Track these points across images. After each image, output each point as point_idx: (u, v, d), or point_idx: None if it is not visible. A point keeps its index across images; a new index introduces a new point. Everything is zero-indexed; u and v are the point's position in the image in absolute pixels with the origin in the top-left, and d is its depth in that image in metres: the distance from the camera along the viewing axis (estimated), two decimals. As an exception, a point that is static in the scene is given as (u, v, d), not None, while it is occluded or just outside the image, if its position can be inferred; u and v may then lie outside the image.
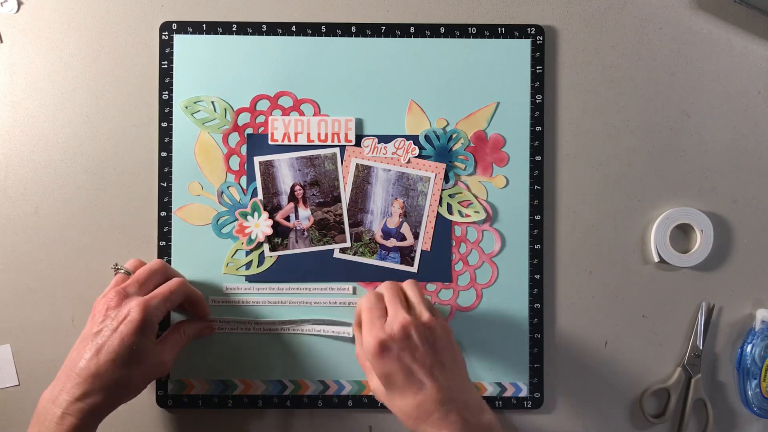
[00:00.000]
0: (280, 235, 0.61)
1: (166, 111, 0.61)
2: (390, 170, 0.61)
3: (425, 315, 0.51)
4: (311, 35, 0.61)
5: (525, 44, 0.61)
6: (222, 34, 0.61)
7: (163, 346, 0.55)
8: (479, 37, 0.61)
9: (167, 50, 0.61)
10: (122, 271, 0.57)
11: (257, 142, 0.61)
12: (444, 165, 0.61)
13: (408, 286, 0.54)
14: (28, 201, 0.61)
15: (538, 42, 0.61)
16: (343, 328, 0.61)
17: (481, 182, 0.61)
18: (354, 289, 0.61)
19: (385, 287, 0.54)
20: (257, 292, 0.61)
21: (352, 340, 0.61)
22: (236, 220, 0.61)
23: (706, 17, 0.63)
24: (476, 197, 0.61)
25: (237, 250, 0.61)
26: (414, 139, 0.61)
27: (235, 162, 0.61)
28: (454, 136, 0.61)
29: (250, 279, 0.61)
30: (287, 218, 0.61)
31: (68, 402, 0.49)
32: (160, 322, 0.54)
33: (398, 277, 0.61)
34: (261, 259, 0.61)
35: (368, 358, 0.50)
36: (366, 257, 0.61)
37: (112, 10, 0.61)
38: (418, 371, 0.49)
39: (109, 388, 0.50)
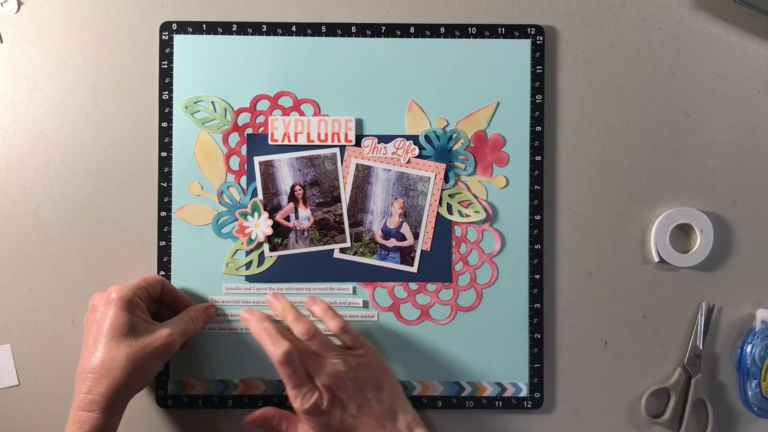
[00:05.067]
0: (280, 235, 0.61)
1: (166, 111, 0.61)
2: (390, 170, 0.61)
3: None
4: (311, 35, 0.61)
5: (525, 44, 0.61)
6: (222, 34, 0.61)
7: (160, 324, 0.55)
8: (479, 38, 0.61)
9: (167, 50, 0.61)
10: None
11: (257, 142, 0.61)
12: (444, 165, 0.61)
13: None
14: (28, 201, 0.61)
15: (538, 42, 0.61)
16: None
17: (481, 182, 0.61)
18: (354, 289, 0.61)
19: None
20: (257, 292, 0.61)
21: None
22: (236, 220, 0.61)
23: (706, 17, 0.63)
24: (476, 197, 0.61)
25: (237, 250, 0.61)
26: (414, 139, 0.61)
27: (235, 162, 0.61)
28: (454, 136, 0.61)
29: (250, 279, 0.61)
30: (287, 218, 0.61)
31: (79, 399, 0.51)
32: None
33: (398, 276, 0.61)
34: (261, 259, 0.61)
35: None
36: (366, 257, 0.61)
37: (112, 10, 0.61)
38: None
39: (109, 373, 0.51)
